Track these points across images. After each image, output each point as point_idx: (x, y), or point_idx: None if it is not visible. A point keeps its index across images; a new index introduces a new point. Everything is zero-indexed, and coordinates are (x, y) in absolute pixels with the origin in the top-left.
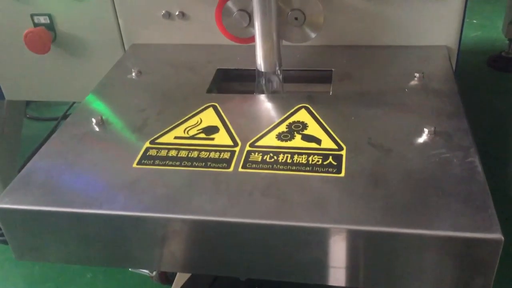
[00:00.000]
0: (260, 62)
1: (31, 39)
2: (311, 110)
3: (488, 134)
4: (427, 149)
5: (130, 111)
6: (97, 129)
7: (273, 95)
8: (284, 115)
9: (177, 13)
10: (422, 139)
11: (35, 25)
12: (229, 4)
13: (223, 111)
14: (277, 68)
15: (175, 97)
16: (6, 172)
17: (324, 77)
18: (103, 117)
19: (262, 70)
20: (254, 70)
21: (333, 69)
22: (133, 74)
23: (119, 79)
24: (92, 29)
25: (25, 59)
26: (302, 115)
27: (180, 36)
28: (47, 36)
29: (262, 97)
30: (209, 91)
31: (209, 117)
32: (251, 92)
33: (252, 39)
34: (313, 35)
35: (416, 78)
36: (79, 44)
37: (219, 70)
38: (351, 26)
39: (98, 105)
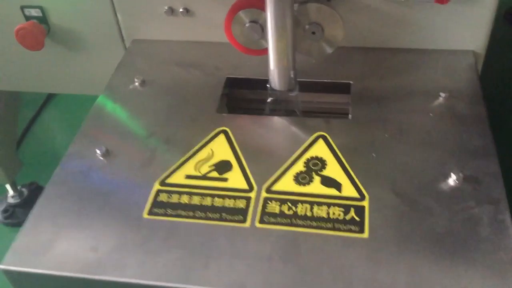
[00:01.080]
0: (274, 80)
1: (23, 36)
2: (329, 141)
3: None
4: (454, 201)
5: (136, 138)
6: (102, 163)
7: (288, 118)
8: (300, 146)
9: (181, 10)
10: (449, 186)
11: (26, 18)
12: (241, 14)
13: (235, 139)
14: (292, 86)
15: (183, 117)
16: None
17: (342, 88)
18: (108, 148)
19: (276, 88)
20: (267, 79)
21: (351, 82)
22: (137, 83)
23: (122, 92)
24: (88, 23)
25: (18, 53)
26: (320, 148)
27: (184, 33)
28: (40, 31)
29: (276, 120)
30: (220, 109)
31: (220, 148)
32: (264, 102)
33: (264, 51)
34: (330, 50)
35: (441, 98)
36: (76, 38)
37: (228, 79)
38: (373, 28)
39: (102, 130)
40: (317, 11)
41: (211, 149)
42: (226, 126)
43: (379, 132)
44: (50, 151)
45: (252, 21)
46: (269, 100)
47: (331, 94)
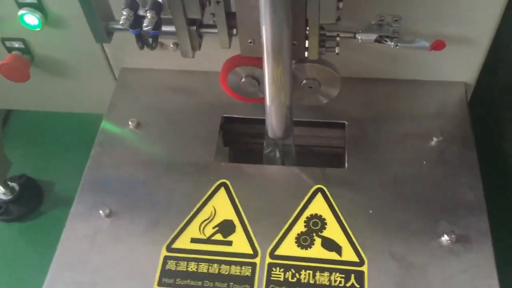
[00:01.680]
0: (271, 130)
1: (7, 70)
2: (327, 195)
3: None
4: (448, 263)
5: (138, 197)
6: (106, 224)
7: (286, 168)
8: (300, 200)
9: (171, 45)
10: (442, 248)
11: (8, 49)
12: (238, 70)
13: (235, 193)
14: (288, 135)
15: (182, 168)
16: None
17: (336, 127)
18: (111, 208)
19: (273, 137)
20: (262, 119)
21: (346, 123)
22: (131, 125)
23: (117, 138)
24: (73, 53)
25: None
26: (319, 205)
27: (175, 62)
28: (23, 64)
29: (274, 171)
30: (217, 156)
31: (222, 205)
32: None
33: (261, 99)
34: (325, 101)
35: (433, 142)
36: (61, 66)
37: (224, 119)
38: (369, 61)
39: (102, 189)
40: (316, 70)
41: (213, 207)
42: (225, 178)
43: (374, 184)
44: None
45: (248, 76)
46: (265, 146)
47: (325, 130)
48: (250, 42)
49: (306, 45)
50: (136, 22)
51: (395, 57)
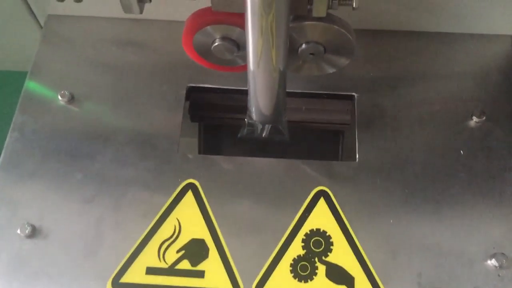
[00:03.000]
0: (256, 109)
1: None
2: (332, 201)
3: None
4: None
5: (72, 207)
6: (29, 246)
7: (277, 163)
8: (297, 209)
9: None
10: (489, 276)
11: None
12: (209, 29)
13: (207, 198)
14: (281, 118)
15: (133, 163)
16: None
17: (343, 100)
18: (34, 223)
19: (259, 119)
20: (244, 89)
21: (355, 95)
22: (61, 100)
23: (42, 118)
24: None
25: None
26: (322, 214)
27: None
28: None
29: (261, 164)
30: (182, 142)
31: (190, 216)
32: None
33: (240, 68)
34: (332, 70)
35: (474, 121)
36: None
37: (191, 90)
38: (385, 6)
39: (21, 194)
40: (321, 30)
41: (178, 221)
42: (194, 176)
43: (394, 185)
44: None
45: (223, 38)
46: (246, 128)
47: (330, 102)
48: None
49: None
50: None
51: (421, 4)
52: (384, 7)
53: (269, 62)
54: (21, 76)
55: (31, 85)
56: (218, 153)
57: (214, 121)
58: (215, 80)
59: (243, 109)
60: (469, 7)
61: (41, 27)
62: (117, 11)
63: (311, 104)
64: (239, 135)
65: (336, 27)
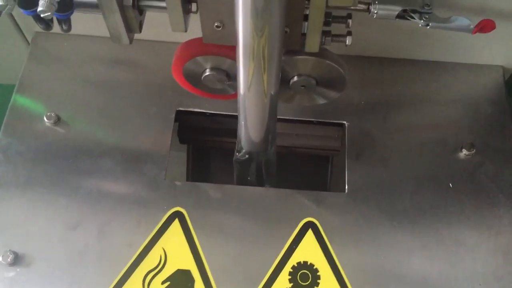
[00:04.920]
0: (245, 137)
1: None
2: (320, 233)
3: None
4: None
5: (55, 233)
6: (11, 278)
7: (265, 192)
8: (283, 241)
9: None
10: None
11: None
12: (200, 59)
13: (194, 228)
14: (269, 146)
15: (118, 189)
16: None
17: (333, 128)
18: (15, 249)
19: (248, 148)
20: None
21: (346, 123)
22: (47, 121)
23: (27, 138)
24: None
25: None
26: (310, 247)
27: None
28: None
29: (250, 193)
30: (170, 171)
31: (175, 247)
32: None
33: (230, 96)
34: (323, 101)
35: (463, 153)
36: None
37: (180, 113)
38: (377, 35)
39: (5, 220)
40: (313, 64)
41: (163, 250)
42: (181, 204)
43: (382, 217)
44: None
45: (214, 68)
46: (235, 157)
47: (319, 137)
48: (218, 26)
49: (303, 32)
50: None
51: (414, 32)
52: (378, 35)
53: (260, 86)
54: (6, 90)
55: (18, 101)
56: (206, 179)
57: (204, 143)
58: (204, 105)
59: (233, 132)
60: (460, 37)
61: (28, 44)
62: (105, 30)
63: (301, 130)
64: (234, 159)
65: (328, 61)
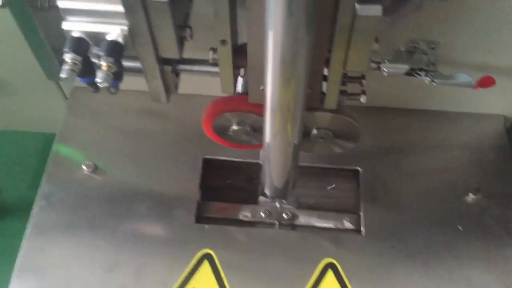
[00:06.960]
0: (270, 191)
1: None
2: (340, 274)
3: None
4: None
5: (94, 274)
6: None
7: (287, 233)
8: (305, 282)
9: None
10: None
11: None
12: (227, 115)
13: (222, 269)
14: (290, 192)
15: (154, 233)
16: None
17: (349, 174)
18: None
19: (271, 195)
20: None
21: (359, 169)
22: (86, 169)
23: (68, 188)
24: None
25: None
26: (330, 286)
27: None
28: None
29: (272, 236)
30: (198, 216)
31: (206, 285)
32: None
33: (255, 146)
34: (339, 151)
35: (470, 197)
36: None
37: (206, 162)
38: (386, 88)
39: (48, 263)
40: (330, 119)
41: None
42: (209, 246)
43: (399, 259)
44: None
45: (241, 123)
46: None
47: (334, 179)
48: (262, 89)
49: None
50: (86, 68)
51: (421, 85)
52: (388, 87)
53: (284, 136)
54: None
55: (58, 151)
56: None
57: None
58: (229, 153)
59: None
60: (464, 89)
61: (66, 98)
62: (137, 85)
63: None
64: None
65: (344, 117)
